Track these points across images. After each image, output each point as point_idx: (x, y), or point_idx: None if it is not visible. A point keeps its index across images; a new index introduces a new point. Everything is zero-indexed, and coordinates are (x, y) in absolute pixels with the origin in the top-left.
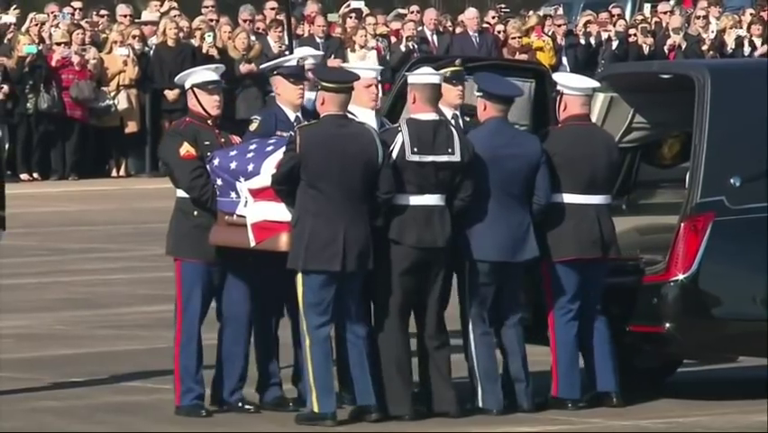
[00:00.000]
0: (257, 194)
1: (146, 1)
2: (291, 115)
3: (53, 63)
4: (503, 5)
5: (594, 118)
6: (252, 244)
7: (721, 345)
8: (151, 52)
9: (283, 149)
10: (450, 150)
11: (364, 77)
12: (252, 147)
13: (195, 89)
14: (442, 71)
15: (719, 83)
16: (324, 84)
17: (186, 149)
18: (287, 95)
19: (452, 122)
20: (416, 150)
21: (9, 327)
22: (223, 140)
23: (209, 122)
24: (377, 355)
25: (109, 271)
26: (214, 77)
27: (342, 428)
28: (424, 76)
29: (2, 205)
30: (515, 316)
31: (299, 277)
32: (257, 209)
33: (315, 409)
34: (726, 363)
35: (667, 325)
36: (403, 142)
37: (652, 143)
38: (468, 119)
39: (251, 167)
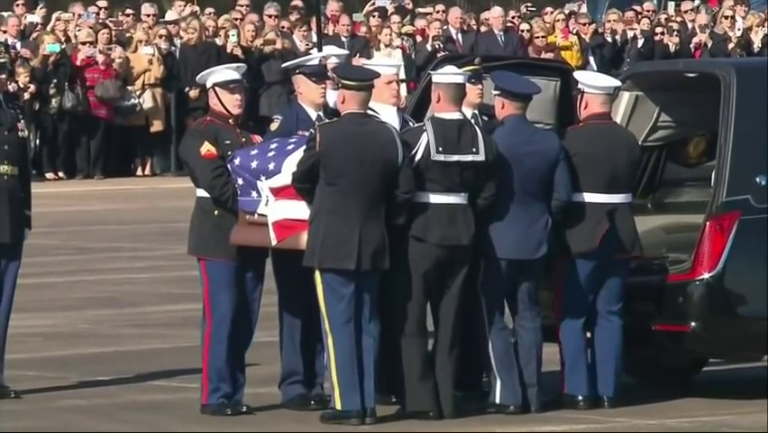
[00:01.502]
0: (278, 192)
1: (171, 0)
2: (313, 114)
3: (78, 62)
4: (529, 3)
5: (619, 117)
6: (274, 242)
7: (746, 344)
8: (177, 51)
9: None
10: (474, 149)
11: (384, 73)
12: (273, 146)
13: (216, 88)
14: (461, 70)
15: (745, 81)
16: (345, 82)
17: (206, 148)
18: (308, 94)
19: (473, 121)
20: (440, 149)
21: (35, 326)
22: (243, 139)
23: (230, 121)
24: (398, 354)
25: (135, 271)
26: (236, 76)
27: (367, 427)
28: (448, 75)
29: (28, 204)
30: (534, 317)
31: (317, 275)
32: (278, 208)
33: (338, 406)
34: (752, 363)
35: (693, 324)
36: (428, 142)
37: (677, 142)
38: (486, 118)
39: (272, 165)
